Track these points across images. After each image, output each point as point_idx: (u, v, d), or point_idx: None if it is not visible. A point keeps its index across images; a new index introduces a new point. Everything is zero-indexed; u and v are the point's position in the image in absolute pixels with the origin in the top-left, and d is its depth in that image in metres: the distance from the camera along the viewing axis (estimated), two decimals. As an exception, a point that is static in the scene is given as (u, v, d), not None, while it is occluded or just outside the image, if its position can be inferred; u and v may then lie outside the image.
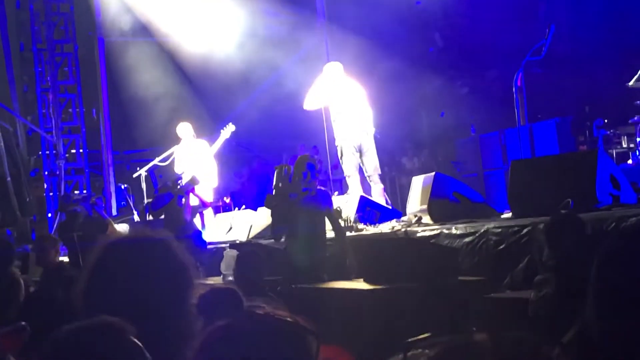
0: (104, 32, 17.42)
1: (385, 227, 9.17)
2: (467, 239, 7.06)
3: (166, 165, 13.95)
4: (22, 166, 17.54)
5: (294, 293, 7.12)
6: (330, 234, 8.22)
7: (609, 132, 11.18)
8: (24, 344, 3.30)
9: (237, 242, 10.48)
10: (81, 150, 17.53)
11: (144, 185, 14.08)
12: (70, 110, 17.56)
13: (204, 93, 18.14)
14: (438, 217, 8.47)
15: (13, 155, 17.43)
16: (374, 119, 11.13)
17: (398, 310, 6.09)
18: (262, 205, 9.36)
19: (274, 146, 17.60)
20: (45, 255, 8.28)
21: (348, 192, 10.90)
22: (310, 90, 11.24)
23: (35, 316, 4.05)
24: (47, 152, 17.22)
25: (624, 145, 11.05)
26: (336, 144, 11.09)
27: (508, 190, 7.93)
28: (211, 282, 8.57)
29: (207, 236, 11.34)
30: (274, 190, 8.31)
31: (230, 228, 11.76)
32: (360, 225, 9.39)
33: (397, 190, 15.09)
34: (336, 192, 11.93)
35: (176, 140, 13.59)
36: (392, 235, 8.26)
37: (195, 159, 12.95)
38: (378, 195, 10.85)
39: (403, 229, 8.31)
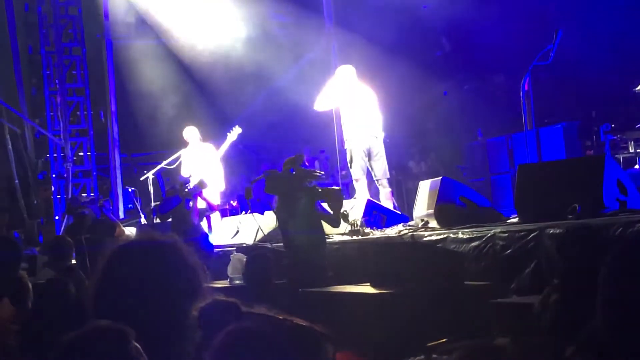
0: (112, 34, 17.47)
1: (391, 231, 9.18)
2: (473, 244, 7.07)
3: (173, 168, 13.98)
4: (29, 169, 17.61)
5: (300, 297, 7.12)
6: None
7: (615, 137, 11.18)
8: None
9: (244, 245, 10.49)
10: (89, 153, 17.56)
11: (151, 188, 14.11)
12: (78, 113, 17.61)
13: (212, 96, 18.17)
14: (445, 221, 8.48)
15: (21, 158, 17.51)
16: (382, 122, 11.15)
17: (404, 315, 6.10)
18: (269, 210, 9.36)
19: (283, 150, 17.59)
20: (58, 258, 8.27)
21: (355, 196, 10.91)
22: (322, 92, 11.26)
23: (47, 318, 4.07)
24: (55, 154, 17.27)
25: (631, 150, 11.05)
26: (345, 147, 11.10)
27: (515, 195, 7.93)
28: (218, 285, 8.60)
29: (213, 239, 11.36)
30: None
31: (237, 232, 11.77)
32: (367, 229, 9.39)
33: (404, 194, 15.09)
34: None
35: (183, 143, 13.62)
36: (399, 240, 8.27)
37: (202, 162, 12.97)
38: (386, 199, 10.85)
39: (410, 233, 8.32)
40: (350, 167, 11.05)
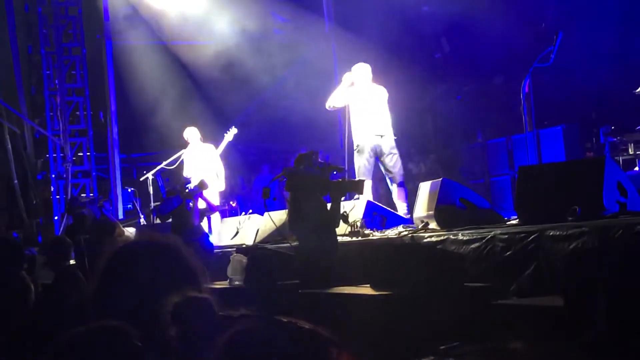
0: (112, 35, 17.49)
1: (391, 233, 9.18)
2: (473, 245, 7.06)
3: (173, 169, 14.00)
4: (29, 169, 17.61)
5: (301, 299, 7.13)
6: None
7: (616, 139, 11.18)
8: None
9: (244, 246, 10.49)
10: (88, 153, 17.58)
11: (150, 189, 14.14)
12: (77, 113, 17.62)
13: (211, 97, 18.18)
14: (445, 223, 8.47)
15: (20, 158, 17.50)
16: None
17: (404, 316, 6.09)
18: (269, 210, 9.34)
19: (282, 150, 17.61)
20: (58, 258, 8.27)
21: (356, 196, 10.91)
22: (335, 90, 11.31)
23: (47, 318, 4.08)
24: (54, 154, 17.28)
25: (631, 152, 11.05)
26: (354, 146, 11.14)
27: (515, 197, 7.93)
28: (218, 286, 8.61)
29: (213, 240, 11.36)
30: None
31: (237, 232, 11.78)
32: (367, 231, 9.39)
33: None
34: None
35: (183, 144, 13.64)
36: (399, 241, 8.27)
37: (203, 162, 12.99)
38: (399, 199, 10.92)
39: (409, 235, 8.32)
40: (356, 167, 11.08)
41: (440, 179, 9.12)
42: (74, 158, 17.47)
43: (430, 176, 12.06)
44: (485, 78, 15.22)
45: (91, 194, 17.08)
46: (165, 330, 2.48)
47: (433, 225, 8.68)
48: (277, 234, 9.73)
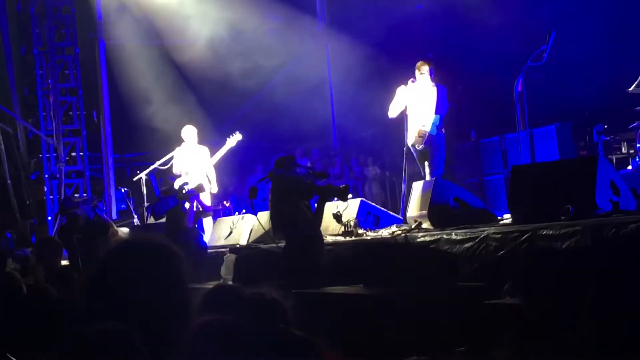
0: (105, 34, 17.47)
1: (385, 232, 9.19)
2: (467, 245, 7.07)
3: (167, 169, 13.96)
4: (22, 169, 17.58)
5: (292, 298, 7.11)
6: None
7: (609, 138, 11.21)
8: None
9: (238, 246, 10.49)
10: (81, 153, 17.54)
11: (144, 189, 14.09)
12: (70, 113, 17.58)
13: (204, 97, 18.17)
14: (438, 222, 8.48)
15: (13, 158, 17.47)
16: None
17: (397, 316, 6.10)
18: (263, 210, 9.34)
19: (275, 150, 17.59)
20: (48, 258, 8.25)
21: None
22: (395, 97, 11.10)
23: (37, 317, 4.07)
24: (48, 154, 17.24)
25: (624, 151, 11.08)
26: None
27: (508, 196, 7.95)
28: (211, 286, 8.59)
29: (207, 240, 11.36)
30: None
31: (230, 232, 11.78)
32: (361, 230, 9.40)
33: (397, 194, 15.10)
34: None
35: (177, 143, 13.59)
36: (392, 240, 8.28)
37: (195, 163, 12.95)
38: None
39: (403, 234, 8.32)
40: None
41: (434, 178, 9.14)
42: (67, 158, 17.44)
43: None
44: (478, 77, 15.22)
45: (84, 194, 17.06)
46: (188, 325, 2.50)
47: (426, 224, 8.69)
48: (267, 234, 9.73)
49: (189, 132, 13.28)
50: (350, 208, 10.03)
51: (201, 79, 18.12)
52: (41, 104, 17.30)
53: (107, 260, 2.65)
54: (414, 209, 9.13)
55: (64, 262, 9.99)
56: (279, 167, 8.03)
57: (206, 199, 12.55)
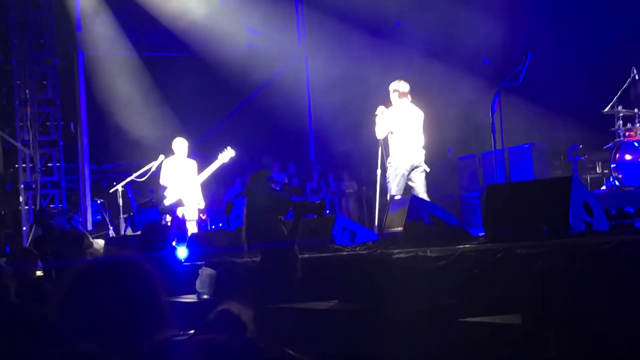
0: (84, 45, 17.44)
1: (361, 248, 9.20)
2: (442, 262, 7.09)
3: (144, 181, 13.93)
4: (-2, 179, 17.47)
5: (268, 313, 7.13)
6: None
7: (583, 158, 11.32)
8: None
9: (213, 260, 10.46)
10: (58, 164, 17.45)
11: (120, 201, 14.06)
12: (48, 123, 17.48)
13: (183, 109, 18.16)
14: (413, 239, 8.51)
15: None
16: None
17: (372, 332, 6.12)
18: (231, 226, 9.37)
19: (253, 164, 17.61)
20: (23, 269, 8.21)
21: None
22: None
23: (10, 330, 4.04)
24: (24, 165, 17.14)
25: (598, 171, 11.19)
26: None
27: (483, 215, 7.99)
28: (186, 300, 8.59)
29: (183, 253, 11.32)
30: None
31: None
32: (336, 246, 9.41)
33: (375, 210, 15.12)
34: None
35: (154, 155, 13.56)
36: (367, 256, 8.29)
37: (183, 176, 12.93)
38: None
39: (379, 251, 8.34)
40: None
41: (410, 196, 9.18)
42: (44, 169, 17.34)
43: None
44: (456, 94, 15.33)
45: (60, 205, 16.97)
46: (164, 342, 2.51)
47: (402, 241, 8.71)
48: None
49: (180, 145, 13.26)
50: (326, 223, 10.03)
51: (180, 91, 18.14)
52: (18, 114, 17.19)
53: (78, 278, 2.65)
54: (389, 225, 9.16)
55: (39, 273, 9.92)
56: (254, 182, 8.05)
57: (192, 213, 12.57)
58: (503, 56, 13.54)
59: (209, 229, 13.53)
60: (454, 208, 12.96)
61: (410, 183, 10.89)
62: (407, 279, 6.73)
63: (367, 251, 8.71)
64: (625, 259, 5.06)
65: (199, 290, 8.86)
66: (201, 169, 13.23)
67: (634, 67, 10.87)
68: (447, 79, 15.67)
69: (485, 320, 6.01)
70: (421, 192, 10.78)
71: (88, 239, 11.40)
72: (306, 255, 8.94)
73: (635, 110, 10.67)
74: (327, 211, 16.17)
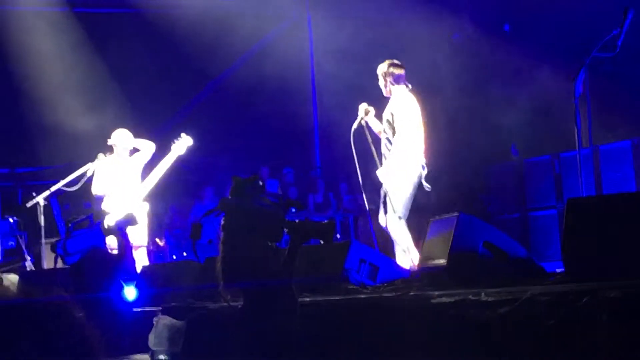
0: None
1: (386, 289, 9.18)
2: (502, 310, 7.08)
3: (76, 191, 13.91)
4: None
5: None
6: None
7: None
8: None
9: (174, 305, 10.46)
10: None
11: (41, 219, 14.03)
12: None
13: (135, 89, 18.20)
14: (462, 276, 8.50)
15: None
16: None
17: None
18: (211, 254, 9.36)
19: (234, 168, 17.67)
20: None
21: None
22: None
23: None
24: None
25: None
26: None
27: (562, 242, 7.97)
28: (137, 361, 8.60)
29: (132, 295, 11.33)
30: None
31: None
32: (351, 285, 9.37)
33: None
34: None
35: (93, 153, 13.56)
36: (396, 301, 8.28)
37: (127, 181, 12.95)
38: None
39: (412, 293, 8.34)
40: None
41: (457, 214, 9.15)
42: None
43: (441, 208, 12.09)
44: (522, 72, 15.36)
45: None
46: None
47: (445, 279, 8.71)
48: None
49: (121, 139, 13.26)
50: (335, 252, 10.01)
51: (132, 63, 18.16)
52: None
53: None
54: (428, 256, 9.15)
55: None
56: (236, 193, 8.03)
57: (140, 236, 12.56)
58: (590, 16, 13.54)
59: (168, 259, 13.52)
60: (520, 232, 12.95)
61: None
62: (452, 333, 6.71)
63: (395, 293, 8.70)
64: None
65: (153, 348, 8.85)
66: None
67: None
68: (510, 47, 15.70)
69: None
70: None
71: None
72: (308, 299, 8.93)
73: None
74: (338, 235, 16.18)
